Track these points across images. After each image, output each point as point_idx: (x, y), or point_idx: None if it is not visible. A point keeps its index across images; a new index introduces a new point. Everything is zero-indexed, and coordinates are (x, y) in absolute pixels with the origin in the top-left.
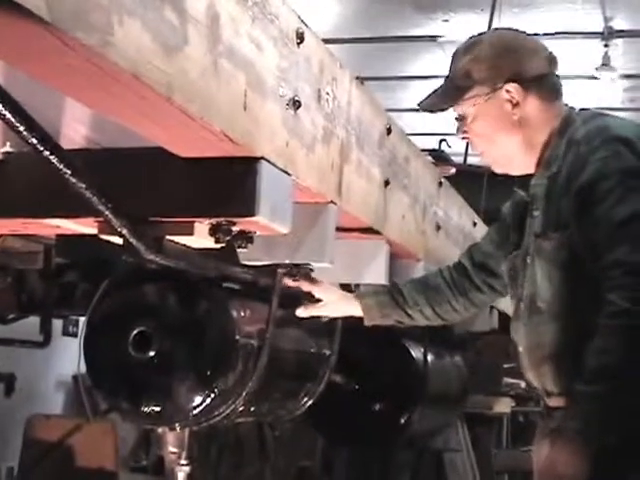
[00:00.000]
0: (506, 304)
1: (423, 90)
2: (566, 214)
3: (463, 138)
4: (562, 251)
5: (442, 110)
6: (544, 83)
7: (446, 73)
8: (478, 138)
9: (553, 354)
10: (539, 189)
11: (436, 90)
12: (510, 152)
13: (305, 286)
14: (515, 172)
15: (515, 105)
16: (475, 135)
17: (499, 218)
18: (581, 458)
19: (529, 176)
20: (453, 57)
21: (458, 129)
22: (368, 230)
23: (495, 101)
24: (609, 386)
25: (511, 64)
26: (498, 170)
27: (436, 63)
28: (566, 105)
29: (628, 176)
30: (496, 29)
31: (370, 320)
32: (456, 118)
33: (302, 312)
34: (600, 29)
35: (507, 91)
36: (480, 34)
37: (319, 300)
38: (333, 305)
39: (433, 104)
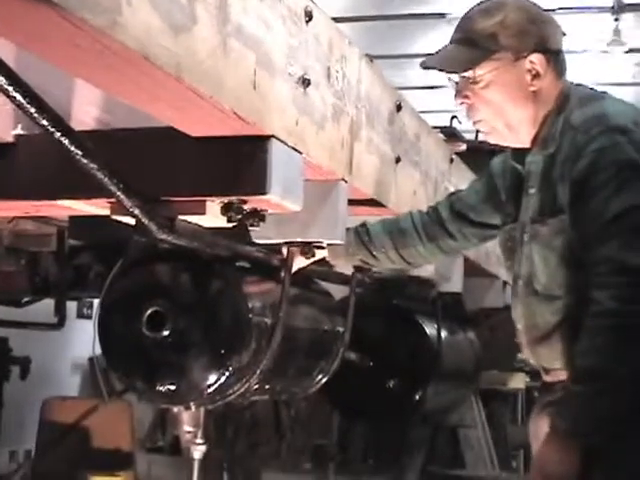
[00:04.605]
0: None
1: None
2: (562, 201)
3: (462, 103)
4: (558, 237)
5: (460, 72)
6: (560, 58)
7: None
8: (484, 105)
9: (548, 335)
10: (534, 166)
11: (446, 47)
12: (515, 124)
13: None
14: (510, 144)
15: (535, 76)
16: (482, 101)
17: (486, 173)
18: (570, 457)
19: (524, 150)
20: (468, 17)
21: (459, 92)
22: (379, 205)
23: (516, 70)
24: (596, 386)
25: (539, 34)
26: (492, 140)
27: (445, 40)
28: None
29: (624, 169)
30: None
31: (334, 258)
32: (458, 80)
33: None
34: (610, 3)
35: (531, 61)
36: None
37: None
38: None
39: (449, 64)
